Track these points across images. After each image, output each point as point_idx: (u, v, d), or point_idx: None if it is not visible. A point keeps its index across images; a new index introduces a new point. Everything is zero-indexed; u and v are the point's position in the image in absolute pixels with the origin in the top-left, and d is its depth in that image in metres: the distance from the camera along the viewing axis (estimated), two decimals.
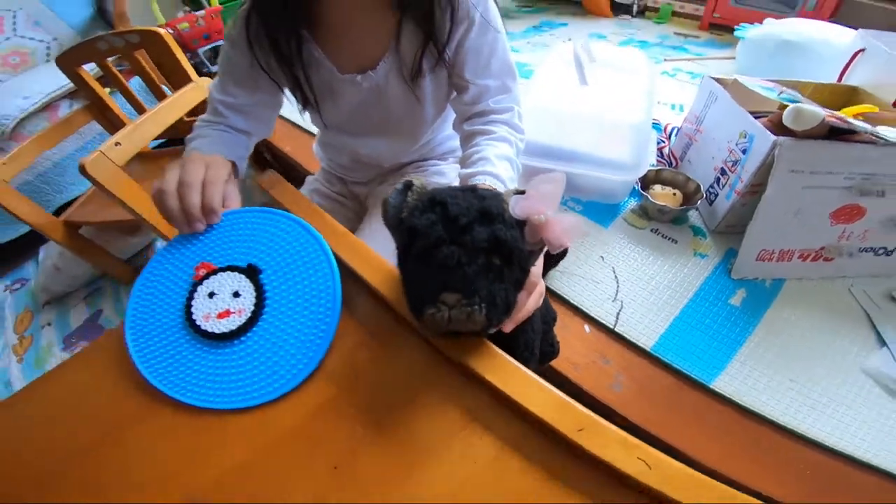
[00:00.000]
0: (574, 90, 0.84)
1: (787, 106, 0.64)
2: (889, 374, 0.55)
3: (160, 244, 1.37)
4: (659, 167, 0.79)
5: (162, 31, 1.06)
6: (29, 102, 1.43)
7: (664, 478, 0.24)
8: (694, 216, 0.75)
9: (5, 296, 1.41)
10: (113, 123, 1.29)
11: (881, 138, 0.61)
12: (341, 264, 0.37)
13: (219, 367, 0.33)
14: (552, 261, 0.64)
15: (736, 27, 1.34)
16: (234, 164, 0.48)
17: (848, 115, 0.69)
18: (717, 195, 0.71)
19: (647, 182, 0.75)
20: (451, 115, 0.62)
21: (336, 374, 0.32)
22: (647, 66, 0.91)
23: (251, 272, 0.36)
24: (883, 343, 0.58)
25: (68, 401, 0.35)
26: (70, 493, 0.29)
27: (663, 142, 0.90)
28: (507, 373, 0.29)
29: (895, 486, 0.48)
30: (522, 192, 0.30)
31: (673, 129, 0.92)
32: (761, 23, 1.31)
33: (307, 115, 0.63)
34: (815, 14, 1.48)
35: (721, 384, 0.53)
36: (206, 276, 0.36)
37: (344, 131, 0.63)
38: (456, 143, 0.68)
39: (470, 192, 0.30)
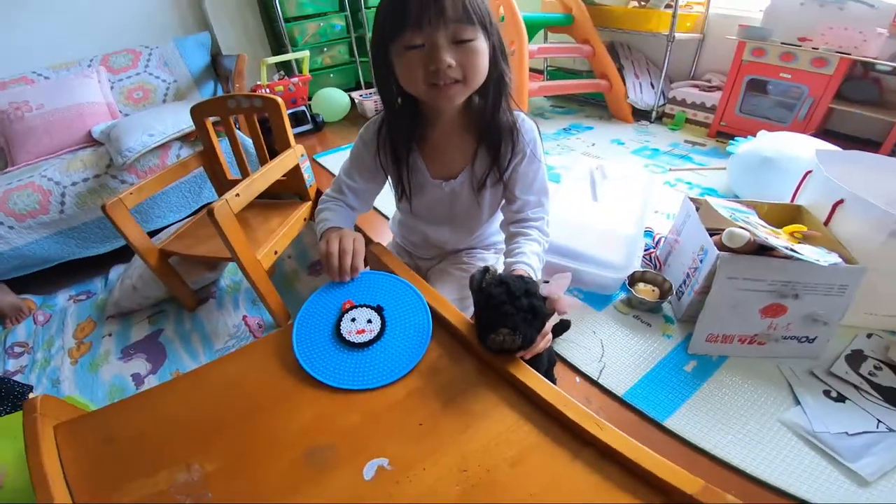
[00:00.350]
0: (587, 204, 1.15)
1: (736, 224, 0.85)
2: (801, 424, 0.76)
3: (224, 282, 1.57)
4: (645, 269, 1.04)
5: (280, 100, 1.27)
6: (153, 140, 1.55)
7: (610, 437, 0.42)
8: (667, 307, 0.99)
9: (69, 304, 1.53)
10: (214, 171, 1.48)
11: (795, 256, 0.79)
12: (430, 308, 0.56)
13: (353, 363, 0.51)
14: (559, 331, 0.91)
15: (733, 140, 1.51)
16: None
17: (784, 234, 0.91)
18: (683, 292, 0.96)
19: (634, 280, 1.02)
20: (497, 218, 0.83)
21: (424, 373, 0.51)
22: (648, 182, 1.22)
23: (378, 309, 0.56)
24: (798, 403, 0.80)
25: (240, 375, 0.53)
26: (234, 438, 0.46)
27: (653, 247, 1.14)
28: (529, 376, 0.48)
29: None
30: (546, 282, 0.52)
31: (660, 237, 1.17)
32: (755, 135, 1.48)
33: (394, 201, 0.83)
34: (806, 124, 1.71)
35: (671, 423, 0.77)
36: (350, 309, 0.56)
37: (422, 219, 0.83)
38: (498, 238, 0.90)
39: (520, 279, 0.52)
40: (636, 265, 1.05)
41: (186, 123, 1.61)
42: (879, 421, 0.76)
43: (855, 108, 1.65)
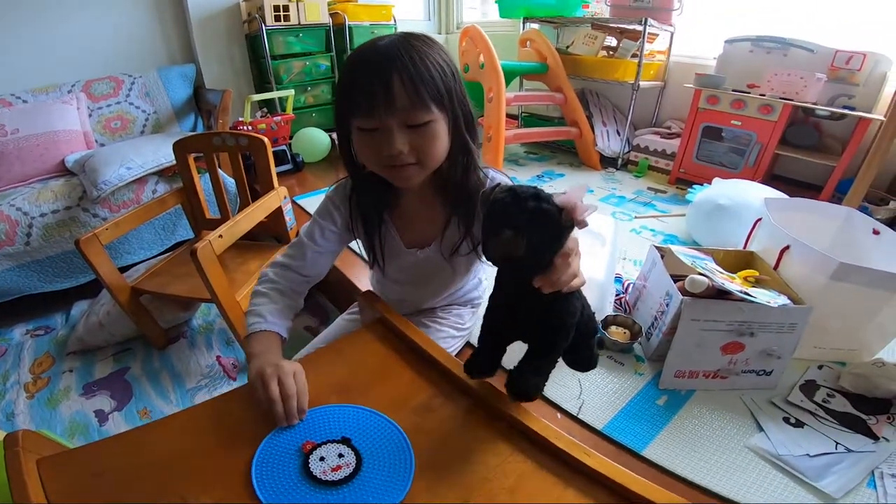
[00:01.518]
0: None
1: (697, 272, 0.95)
2: (767, 448, 0.82)
3: (196, 322, 1.54)
4: (616, 313, 1.11)
5: (266, 140, 1.25)
6: (130, 173, 1.51)
7: (598, 463, 0.46)
8: (637, 348, 1.06)
9: (26, 338, 1.49)
10: (192, 209, 1.45)
11: (748, 299, 0.86)
12: (420, 351, 0.60)
13: (334, 501, 0.45)
14: (584, 366, 0.72)
15: (691, 187, 1.64)
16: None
17: (738, 279, 1.00)
18: (652, 334, 1.03)
19: (606, 323, 1.08)
20: (473, 275, 0.85)
21: (419, 412, 0.53)
22: (614, 230, 1.30)
23: (345, 441, 0.51)
24: (761, 429, 0.86)
25: (241, 411, 0.54)
26: (232, 471, 0.46)
27: (623, 293, 1.22)
28: (519, 411, 0.51)
29: None
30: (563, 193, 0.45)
31: (629, 283, 1.24)
32: (710, 182, 1.60)
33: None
34: (755, 171, 1.80)
35: (648, 452, 0.81)
36: (313, 449, 0.49)
37: (396, 282, 0.83)
38: (476, 294, 0.92)
39: (530, 186, 0.47)
40: (608, 309, 1.11)
41: (166, 157, 1.60)
42: (837, 443, 0.83)
43: (798, 154, 1.76)
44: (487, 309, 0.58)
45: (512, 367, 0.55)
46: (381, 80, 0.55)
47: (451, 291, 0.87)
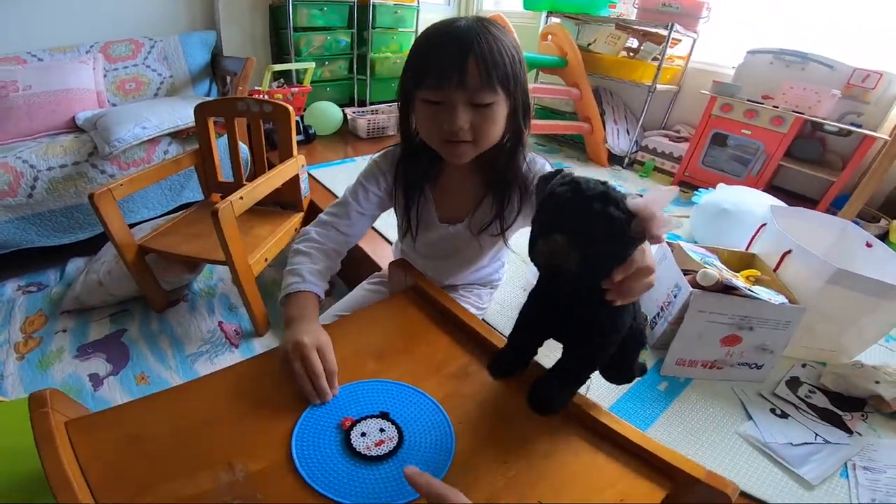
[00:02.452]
0: None
1: (705, 267, 1.02)
2: (755, 436, 0.89)
3: (197, 285, 1.53)
4: None
5: (291, 108, 1.26)
6: (145, 133, 1.52)
7: (628, 431, 0.48)
8: None
9: (17, 294, 1.43)
10: (206, 171, 1.46)
11: (752, 295, 0.93)
12: (455, 318, 0.62)
13: (378, 477, 0.44)
14: (622, 381, 0.61)
15: (696, 190, 1.68)
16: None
17: (741, 277, 1.06)
18: (656, 323, 1.08)
19: None
20: (498, 257, 0.87)
21: (457, 377, 0.54)
22: None
23: (384, 415, 0.50)
24: (750, 418, 0.93)
25: (276, 373, 0.53)
26: (279, 436, 0.48)
27: None
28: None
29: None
30: (640, 195, 0.37)
31: None
32: (715, 187, 1.65)
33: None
34: (758, 179, 1.85)
35: (650, 433, 0.84)
36: (353, 426, 0.49)
37: (423, 255, 0.84)
38: (496, 276, 0.94)
39: (600, 181, 0.37)
40: None
41: (182, 120, 1.60)
42: (816, 434, 0.90)
43: (800, 167, 1.82)
44: (525, 304, 0.53)
45: (539, 376, 0.52)
46: (456, 58, 0.57)
47: (474, 270, 0.89)
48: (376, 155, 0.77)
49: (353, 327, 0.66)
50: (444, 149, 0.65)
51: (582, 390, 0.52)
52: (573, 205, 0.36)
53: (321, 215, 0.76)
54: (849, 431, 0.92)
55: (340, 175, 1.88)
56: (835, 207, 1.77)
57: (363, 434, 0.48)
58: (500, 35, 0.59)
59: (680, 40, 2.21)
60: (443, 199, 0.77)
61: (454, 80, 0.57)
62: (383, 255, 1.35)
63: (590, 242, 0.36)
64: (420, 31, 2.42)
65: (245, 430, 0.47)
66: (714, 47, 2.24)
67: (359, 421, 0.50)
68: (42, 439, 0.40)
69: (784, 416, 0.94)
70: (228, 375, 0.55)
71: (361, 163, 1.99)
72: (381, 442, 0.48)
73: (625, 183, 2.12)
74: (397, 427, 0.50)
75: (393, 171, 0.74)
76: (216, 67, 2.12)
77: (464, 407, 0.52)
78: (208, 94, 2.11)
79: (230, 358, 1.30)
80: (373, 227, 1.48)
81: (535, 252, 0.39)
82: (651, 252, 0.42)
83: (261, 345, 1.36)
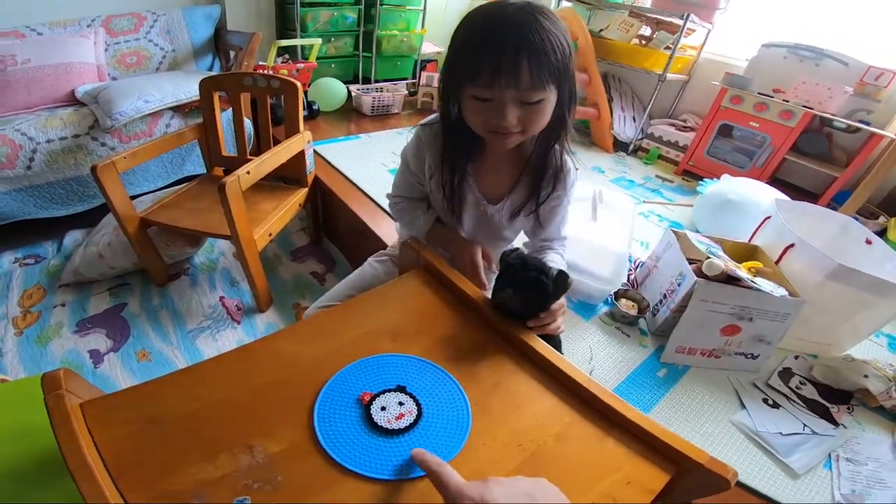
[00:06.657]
0: (586, 223, 1.27)
1: (709, 257, 1.02)
2: (747, 424, 0.92)
3: (198, 259, 1.53)
4: (626, 288, 1.18)
5: (298, 84, 1.26)
6: (147, 106, 1.50)
7: (636, 416, 0.52)
8: (643, 322, 1.14)
9: (14, 267, 1.40)
10: (209, 145, 1.44)
11: (755, 287, 0.94)
12: (468, 299, 0.64)
13: (401, 450, 0.45)
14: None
15: (701, 180, 1.69)
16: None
17: (744, 268, 1.07)
18: (658, 310, 1.10)
19: (617, 296, 1.15)
20: (518, 237, 0.90)
21: (471, 359, 0.57)
22: (633, 209, 1.36)
23: (401, 389, 0.52)
24: (744, 407, 0.95)
25: (293, 353, 0.54)
26: (297, 418, 0.49)
27: (631, 271, 1.28)
28: (566, 365, 0.55)
29: (746, 493, 0.80)
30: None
31: (639, 262, 1.31)
32: (719, 177, 1.65)
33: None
34: (762, 172, 1.87)
35: (651, 417, 0.90)
36: (372, 400, 0.50)
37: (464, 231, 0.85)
38: None
39: (539, 259, 0.62)
40: (623, 279, 1.18)
41: (186, 94, 1.58)
42: (805, 425, 0.93)
43: (805, 161, 1.83)
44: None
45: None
46: (509, 57, 0.55)
47: (499, 248, 0.89)
48: (419, 126, 0.78)
49: (366, 307, 0.66)
50: (491, 137, 0.66)
51: (586, 372, 0.61)
52: (520, 273, 0.60)
53: (391, 200, 0.87)
54: (835, 423, 0.95)
55: (344, 152, 1.86)
56: (836, 203, 1.78)
57: (383, 408, 0.49)
58: (552, 26, 0.57)
59: (694, 30, 2.17)
60: (481, 180, 0.78)
61: (507, 80, 0.56)
62: (388, 233, 1.35)
63: (527, 296, 0.60)
64: (428, 9, 2.40)
65: (262, 410, 0.47)
66: (727, 39, 2.21)
67: (377, 395, 0.51)
68: (59, 424, 0.39)
69: (776, 406, 0.97)
70: (242, 354, 0.54)
71: (366, 140, 2.00)
72: (402, 416, 0.49)
73: (629, 170, 2.12)
74: (415, 400, 0.51)
75: (435, 145, 0.75)
76: (219, 42, 2.07)
77: (479, 387, 0.54)
78: (211, 69, 2.07)
79: (232, 334, 1.30)
80: (374, 201, 1.51)
81: (494, 298, 0.62)
82: (564, 309, 0.65)
83: (263, 321, 1.36)
